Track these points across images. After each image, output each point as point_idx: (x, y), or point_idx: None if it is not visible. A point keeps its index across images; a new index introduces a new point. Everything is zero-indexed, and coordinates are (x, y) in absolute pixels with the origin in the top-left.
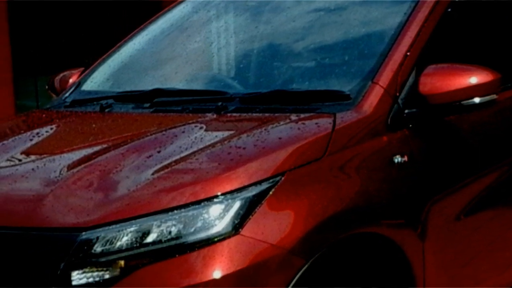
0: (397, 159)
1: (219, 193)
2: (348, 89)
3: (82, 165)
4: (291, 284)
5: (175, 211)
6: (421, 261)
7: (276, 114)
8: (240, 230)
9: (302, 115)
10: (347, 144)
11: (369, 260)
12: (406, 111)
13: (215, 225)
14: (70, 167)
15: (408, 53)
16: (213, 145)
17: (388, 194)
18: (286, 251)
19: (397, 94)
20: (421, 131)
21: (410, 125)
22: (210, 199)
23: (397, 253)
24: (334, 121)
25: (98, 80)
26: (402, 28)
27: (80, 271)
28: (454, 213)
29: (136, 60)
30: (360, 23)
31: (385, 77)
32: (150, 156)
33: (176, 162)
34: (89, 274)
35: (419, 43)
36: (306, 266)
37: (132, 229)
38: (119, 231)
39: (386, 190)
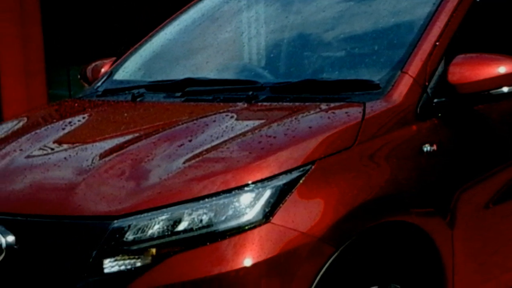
0: (426, 148)
1: (249, 182)
2: (377, 79)
3: (114, 154)
4: (321, 272)
5: (206, 200)
6: (450, 249)
7: (307, 103)
8: (271, 218)
9: (332, 105)
10: (376, 133)
11: (398, 249)
12: (435, 100)
13: (246, 213)
14: (102, 156)
15: (437, 43)
16: (243, 134)
17: (417, 183)
18: (316, 239)
19: (426, 83)
20: (450, 120)
21: (439, 114)
22: (241, 188)
23: (426, 241)
24: (364, 110)
25: (130, 69)
26: (431, 18)
27: (112, 259)
28: (483, 201)
29: (167, 50)
30: (389, 13)
31: (415, 66)
32: (181, 145)
33: (207, 151)
34: (120, 262)
35: (448, 32)
36: (336, 254)
37: (163, 217)
38: (150, 219)
39: (415, 179)
